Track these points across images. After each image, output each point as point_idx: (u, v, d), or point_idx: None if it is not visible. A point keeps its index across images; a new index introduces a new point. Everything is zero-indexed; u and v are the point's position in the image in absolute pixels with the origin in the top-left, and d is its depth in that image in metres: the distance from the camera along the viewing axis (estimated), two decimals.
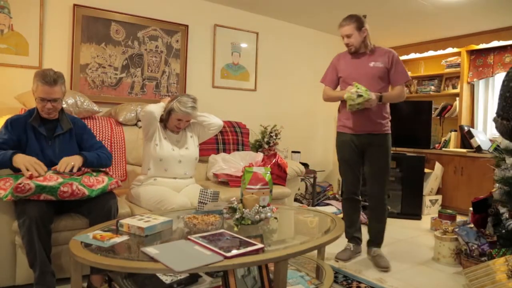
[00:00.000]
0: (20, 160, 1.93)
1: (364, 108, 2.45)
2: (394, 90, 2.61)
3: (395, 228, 3.69)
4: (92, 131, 2.68)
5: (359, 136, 2.60)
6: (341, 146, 2.70)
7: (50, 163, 2.04)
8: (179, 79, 3.66)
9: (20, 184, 1.82)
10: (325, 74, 2.77)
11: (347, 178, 2.74)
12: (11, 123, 2.07)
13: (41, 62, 2.92)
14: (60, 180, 1.93)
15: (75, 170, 2.02)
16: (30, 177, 1.88)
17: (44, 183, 1.87)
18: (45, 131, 2.12)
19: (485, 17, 3.96)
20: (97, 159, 2.19)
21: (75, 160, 2.05)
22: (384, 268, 2.55)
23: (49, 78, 2.02)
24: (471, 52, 4.70)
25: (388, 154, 2.64)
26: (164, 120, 2.61)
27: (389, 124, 2.67)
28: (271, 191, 2.19)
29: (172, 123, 2.58)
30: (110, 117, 3.01)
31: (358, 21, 2.53)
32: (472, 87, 4.79)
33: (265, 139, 3.91)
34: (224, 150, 3.42)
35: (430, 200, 4.33)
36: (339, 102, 2.74)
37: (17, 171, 1.98)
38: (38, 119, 2.11)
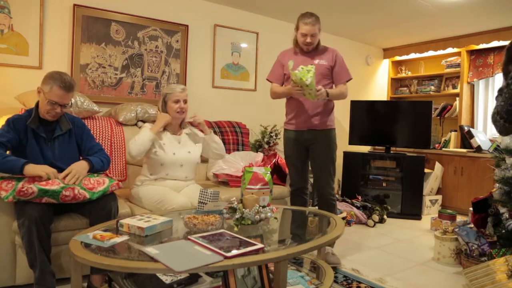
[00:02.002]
0: (37, 167, 1.93)
1: (310, 102, 2.51)
2: (337, 88, 2.61)
3: (395, 228, 3.69)
4: (92, 131, 2.68)
5: (303, 133, 2.63)
6: (286, 143, 2.75)
7: (50, 165, 2.03)
8: (179, 79, 3.66)
9: (22, 188, 1.82)
10: (271, 71, 2.79)
11: (291, 174, 2.77)
12: (13, 122, 2.05)
13: (41, 62, 2.92)
14: (62, 184, 1.93)
15: (78, 182, 2.00)
16: (34, 181, 1.89)
17: (47, 187, 1.87)
18: (44, 133, 2.10)
19: (485, 17, 3.96)
20: (101, 166, 2.18)
21: (82, 169, 2.04)
22: (333, 264, 2.52)
23: (67, 84, 2.02)
24: (471, 52, 4.70)
25: (332, 149, 2.65)
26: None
27: (334, 120, 2.71)
28: (271, 191, 2.19)
29: (173, 110, 2.52)
30: (110, 117, 3.01)
31: (319, 22, 2.56)
32: (472, 87, 4.79)
33: (265, 139, 3.91)
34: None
35: (430, 200, 4.34)
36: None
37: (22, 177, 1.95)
38: (37, 120, 2.09)
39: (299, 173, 2.74)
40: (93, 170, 2.12)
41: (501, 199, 2.43)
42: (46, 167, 1.96)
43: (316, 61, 2.58)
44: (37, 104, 2.11)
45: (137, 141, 2.40)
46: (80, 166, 2.05)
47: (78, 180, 1.99)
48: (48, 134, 2.12)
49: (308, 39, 2.54)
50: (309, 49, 2.60)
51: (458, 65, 4.81)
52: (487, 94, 4.74)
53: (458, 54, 4.81)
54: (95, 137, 2.77)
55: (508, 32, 4.21)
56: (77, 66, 3.10)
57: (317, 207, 2.81)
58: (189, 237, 1.54)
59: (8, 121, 2.06)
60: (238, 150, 3.49)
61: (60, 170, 2.03)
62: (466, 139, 4.44)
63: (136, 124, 3.07)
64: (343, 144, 4.39)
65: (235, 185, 2.98)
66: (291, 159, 2.74)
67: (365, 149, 4.87)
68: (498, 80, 4.64)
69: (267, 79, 2.81)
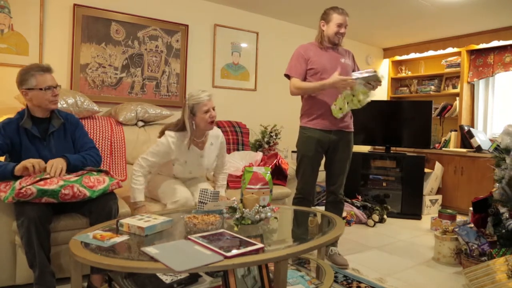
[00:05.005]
0: (23, 162, 1.91)
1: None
2: None
3: (395, 228, 3.69)
4: (92, 131, 2.68)
5: (330, 133, 2.54)
6: (307, 143, 2.56)
7: None
8: (179, 79, 3.66)
9: (21, 189, 1.81)
10: (291, 66, 2.54)
11: (306, 177, 2.60)
12: (3, 127, 2.02)
13: (41, 62, 2.91)
14: (61, 182, 1.91)
15: (63, 173, 1.97)
16: (29, 178, 1.88)
17: (46, 187, 1.86)
18: (38, 132, 2.08)
19: (485, 17, 3.96)
20: (83, 162, 2.11)
21: (61, 163, 1.99)
22: (342, 265, 2.55)
23: (44, 66, 2.05)
24: (471, 52, 4.70)
25: (351, 151, 2.68)
26: (191, 130, 2.34)
27: None
28: (271, 191, 2.19)
29: (204, 121, 2.33)
30: (110, 117, 3.01)
31: None
32: (472, 87, 4.79)
33: (265, 139, 3.91)
34: None
35: (430, 200, 4.33)
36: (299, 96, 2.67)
37: (17, 179, 1.93)
38: (30, 120, 2.07)
39: (314, 176, 2.62)
40: (70, 166, 2.04)
41: (501, 199, 2.43)
42: (31, 159, 1.92)
43: (342, 60, 2.54)
44: (27, 106, 2.10)
45: (132, 185, 2.30)
46: (57, 160, 2.00)
47: (62, 171, 1.96)
48: (42, 133, 2.10)
49: (343, 29, 2.49)
50: (340, 43, 2.56)
51: (458, 65, 4.81)
52: (487, 94, 4.74)
53: (458, 54, 4.81)
54: (95, 137, 2.77)
55: (508, 32, 4.21)
56: (77, 66, 3.10)
57: (317, 207, 2.81)
58: (189, 237, 1.55)
59: None
60: (238, 150, 3.50)
61: None
62: (466, 139, 4.44)
63: (136, 124, 3.07)
64: None
65: (235, 185, 2.98)
66: (311, 160, 2.56)
67: (365, 148, 4.87)
68: (498, 80, 4.64)
69: (286, 74, 2.56)
